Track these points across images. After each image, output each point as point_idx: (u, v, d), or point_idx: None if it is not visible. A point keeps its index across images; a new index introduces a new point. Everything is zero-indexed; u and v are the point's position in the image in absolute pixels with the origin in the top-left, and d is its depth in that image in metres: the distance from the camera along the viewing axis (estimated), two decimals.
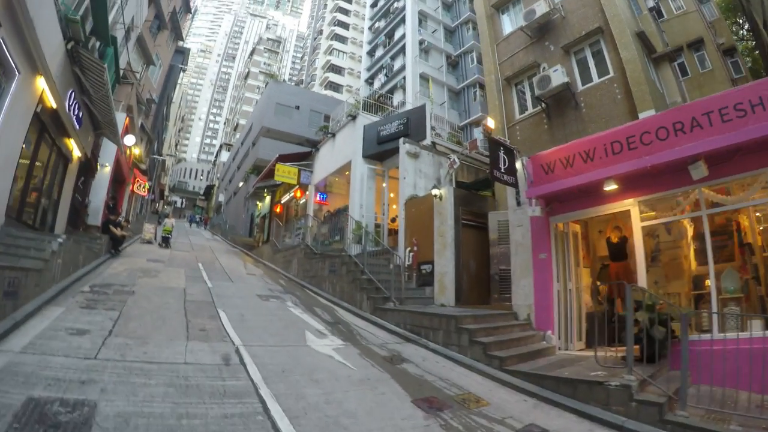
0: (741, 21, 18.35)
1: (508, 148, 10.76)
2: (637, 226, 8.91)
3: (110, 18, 14.31)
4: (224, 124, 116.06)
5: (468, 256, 12.79)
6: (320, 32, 76.19)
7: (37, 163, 11.17)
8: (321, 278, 14.06)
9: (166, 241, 21.77)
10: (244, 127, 54.90)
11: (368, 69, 43.88)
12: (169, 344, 6.54)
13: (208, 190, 79.88)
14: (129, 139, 21.10)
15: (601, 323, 7.84)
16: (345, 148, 18.56)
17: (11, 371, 4.63)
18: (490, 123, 14.14)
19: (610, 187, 8.65)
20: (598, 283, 10.84)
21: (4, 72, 8.06)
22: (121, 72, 18.76)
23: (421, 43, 35.65)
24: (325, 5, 78.16)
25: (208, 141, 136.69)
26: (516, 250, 10.74)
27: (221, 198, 61.42)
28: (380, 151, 17.04)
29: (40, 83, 9.45)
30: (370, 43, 45.53)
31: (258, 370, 5.87)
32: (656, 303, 7.37)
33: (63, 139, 12.29)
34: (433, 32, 37.36)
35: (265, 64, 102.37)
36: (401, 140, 15.50)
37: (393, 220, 17.70)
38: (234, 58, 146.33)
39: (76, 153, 13.44)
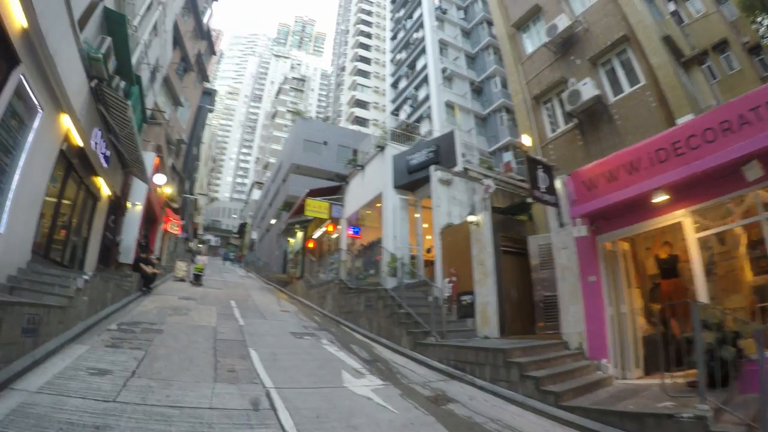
0: (760, 19, 17.67)
1: (547, 166, 10.32)
2: (691, 238, 8.26)
3: (134, 58, 14.52)
4: (255, 163, 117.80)
5: (509, 284, 12.15)
6: (343, 68, 77.45)
7: (65, 201, 11.24)
8: (357, 314, 13.62)
9: (197, 279, 21.49)
10: (274, 165, 55.60)
11: (393, 101, 44.15)
12: (194, 387, 6.16)
13: (241, 228, 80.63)
14: (159, 178, 21.31)
15: (662, 347, 7.20)
16: (375, 180, 18.31)
17: (23, 412, 4.35)
18: (526, 141, 13.67)
19: (660, 198, 8.09)
20: (653, 304, 10.12)
21: (27, 109, 8.09)
22: (149, 112, 19.05)
23: (443, 71, 35.92)
24: (346, 42, 79.73)
25: (239, 180, 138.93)
26: (562, 275, 10.15)
27: (254, 235, 61.81)
28: (411, 180, 16.73)
29: (65, 121, 9.53)
30: (393, 75, 45.98)
31: (290, 416, 5.42)
32: (722, 320, 6.71)
33: (91, 178, 12.39)
34: (454, 59, 37.65)
35: (291, 102, 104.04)
36: (432, 168, 15.16)
37: (428, 250, 17.23)
38: (261, 98, 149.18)
39: (105, 191, 13.53)
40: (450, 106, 34.68)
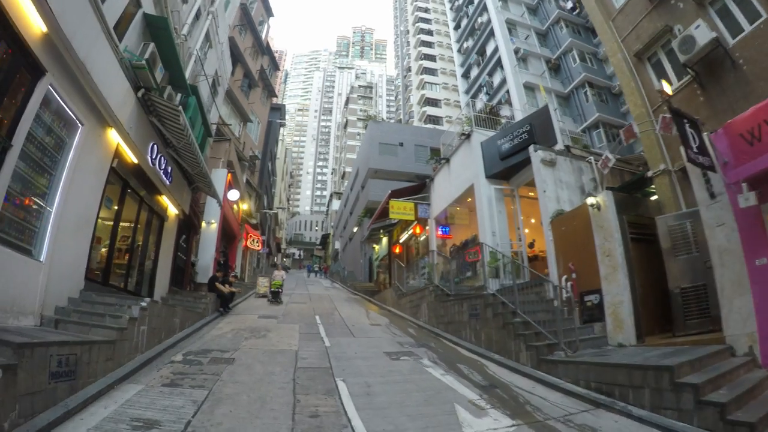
0: None
1: (692, 121, 7.98)
2: None
3: (188, 69, 13.74)
4: (331, 174, 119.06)
5: (640, 276, 9.82)
6: (408, 69, 76.16)
7: (124, 223, 10.39)
8: (459, 324, 11.65)
9: (275, 297, 19.50)
10: (351, 173, 54.88)
11: (467, 92, 41.99)
12: None
13: (324, 239, 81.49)
14: (233, 194, 20.50)
15: None
16: (463, 172, 16.36)
17: None
18: (666, 87, 11.05)
19: None
20: None
21: (64, 124, 7.16)
22: (213, 126, 18.28)
23: (516, 52, 33.87)
24: (408, 42, 78.56)
25: (318, 193, 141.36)
26: (720, 259, 7.74)
27: (337, 245, 61.43)
28: (505, 167, 14.72)
29: (112, 136, 8.68)
30: (462, 65, 43.93)
31: None
32: None
33: (154, 197, 11.54)
34: (525, 38, 35.50)
35: (361, 110, 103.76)
36: (531, 149, 13.02)
37: (531, 245, 15.07)
38: (330, 111, 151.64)
39: (173, 210, 12.67)
40: (529, 87, 32.39)
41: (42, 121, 6.56)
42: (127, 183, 9.99)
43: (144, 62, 9.44)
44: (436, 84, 65.89)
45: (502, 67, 34.88)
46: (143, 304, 8.01)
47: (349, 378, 7.39)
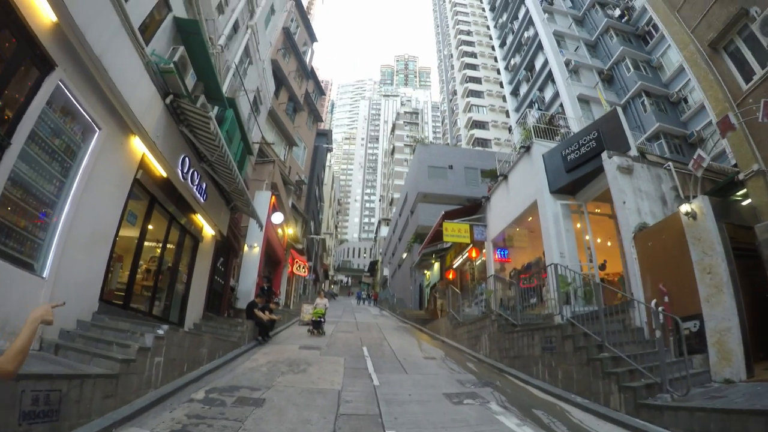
0: None
1: None
2: None
3: (226, 82, 12.98)
4: (379, 201, 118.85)
5: (745, 296, 8.11)
6: (454, 93, 75.47)
7: (151, 243, 9.52)
8: (528, 359, 10.00)
9: (317, 327, 17.19)
10: (399, 199, 53.97)
11: (516, 109, 40.55)
12: None
13: (372, 266, 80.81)
14: (277, 217, 19.64)
15: None
16: (524, 188, 14.86)
17: None
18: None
19: None
20: None
21: (79, 127, 6.41)
22: (256, 146, 17.52)
23: (567, 64, 32.45)
24: (452, 66, 78.14)
25: (366, 220, 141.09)
26: None
27: (386, 272, 60.25)
28: (571, 181, 13.18)
29: (137, 144, 7.84)
30: (510, 82, 42.67)
31: None
32: None
33: (188, 215, 10.63)
34: (575, 50, 33.95)
35: (407, 136, 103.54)
36: (605, 155, 11.45)
37: (602, 266, 13.33)
38: (377, 138, 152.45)
39: (208, 231, 11.78)
40: (583, 99, 30.80)
41: (50, 120, 5.82)
42: (154, 198, 9.06)
43: (172, 65, 8.57)
44: (482, 106, 64.96)
45: (553, 81, 33.44)
46: (160, 332, 6.90)
47: (403, 431, 5.96)
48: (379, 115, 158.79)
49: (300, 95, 30.95)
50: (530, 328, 10.25)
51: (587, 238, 13.23)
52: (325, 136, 43.00)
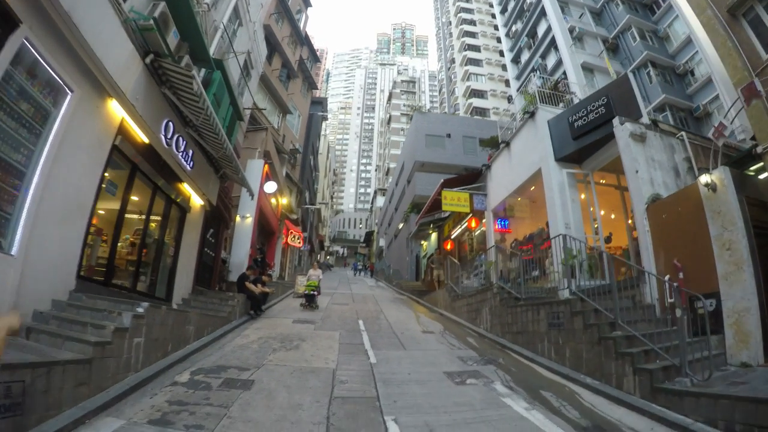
0: None
1: None
2: None
3: (214, 43, 12.22)
4: (375, 170, 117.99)
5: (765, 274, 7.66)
6: (452, 61, 74.22)
7: (131, 215, 8.89)
8: (533, 335, 9.53)
9: (310, 301, 16.02)
10: (396, 168, 53.22)
11: (517, 77, 39.67)
12: None
13: (368, 237, 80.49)
14: (270, 186, 18.97)
15: None
16: (528, 156, 14.23)
17: None
18: None
19: None
20: None
21: (49, 90, 5.78)
22: (247, 112, 16.77)
23: (571, 31, 31.76)
24: (450, 34, 76.63)
25: (362, 190, 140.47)
26: None
27: (382, 242, 59.84)
28: (577, 149, 12.55)
29: (114, 108, 7.19)
30: (511, 50, 41.63)
31: None
32: None
33: (173, 185, 10.00)
34: (579, 17, 33.11)
35: (404, 105, 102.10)
36: (616, 121, 10.81)
37: (607, 239, 12.84)
38: (373, 108, 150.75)
39: (197, 201, 11.18)
40: (587, 68, 30.13)
41: (16, 83, 5.19)
42: (136, 166, 8.41)
43: (151, 21, 7.81)
44: (481, 75, 63.84)
45: (556, 48, 32.64)
46: (139, 310, 6.37)
47: (402, 416, 5.48)
48: (376, 84, 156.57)
49: (294, 62, 30.01)
50: (535, 303, 9.75)
51: (593, 209, 12.68)
52: (320, 104, 41.97)
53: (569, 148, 12.71)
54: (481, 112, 58.64)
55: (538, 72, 34.35)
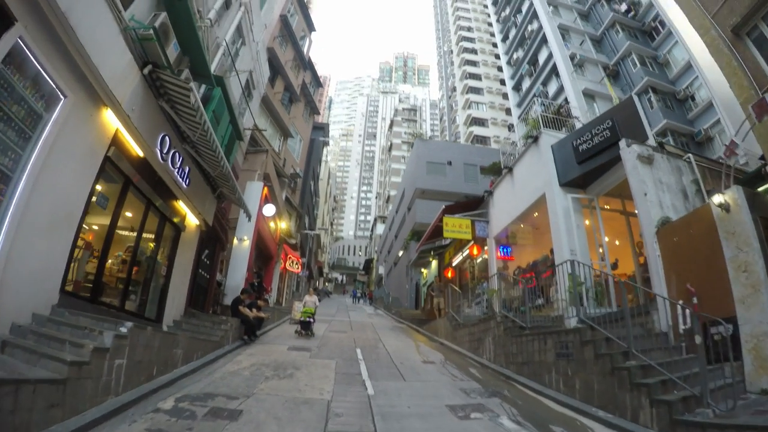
0: None
1: None
2: None
3: (215, 60, 11.96)
4: (376, 198, 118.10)
5: None
6: (453, 89, 74.55)
7: (123, 231, 8.60)
8: (540, 366, 9.08)
9: (306, 328, 15.24)
10: (396, 195, 53.06)
11: (519, 105, 39.72)
12: None
13: (367, 264, 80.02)
14: (268, 209, 18.66)
15: None
16: (531, 182, 13.95)
17: None
18: None
19: None
20: None
21: (42, 94, 5.58)
22: (247, 133, 16.55)
23: (572, 58, 31.84)
24: (452, 63, 77.18)
25: (362, 218, 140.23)
26: None
27: (381, 270, 59.24)
28: (582, 174, 12.30)
29: (109, 118, 6.93)
30: (512, 77, 41.85)
31: None
32: None
33: (168, 202, 9.67)
34: (580, 44, 33.42)
35: (405, 133, 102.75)
36: (623, 143, 10.57)
37: (614, 266, 12.46)
38: (374, 135, 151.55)
39: (192, 220, 10.84)
40: (588, 95, 30.19)
41: (7, 83, 4.97)
42: (129, 181, 8.07)
43: (151, 31, 7.61)
44: (482, 103, 64.05)
45: (557, 75, 32.77)
46: (123, 330, 5.99)
47: None
48: (377, 111, 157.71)
49: (297, 86, 30.04)
50: (542, 332, 9.32)
51: (598, 235, 12.33)
52: (321, 129, 41.96)
53: (574, 173, 12.44)
54: (482, 140, 58.65)
55: (539, 99, 34.47)
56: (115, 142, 7.28)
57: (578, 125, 17.32)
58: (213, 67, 11.74)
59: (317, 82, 37.75)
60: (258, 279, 18.95)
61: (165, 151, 8.66)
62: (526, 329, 10.15)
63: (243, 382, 7.95)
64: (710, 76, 25.25)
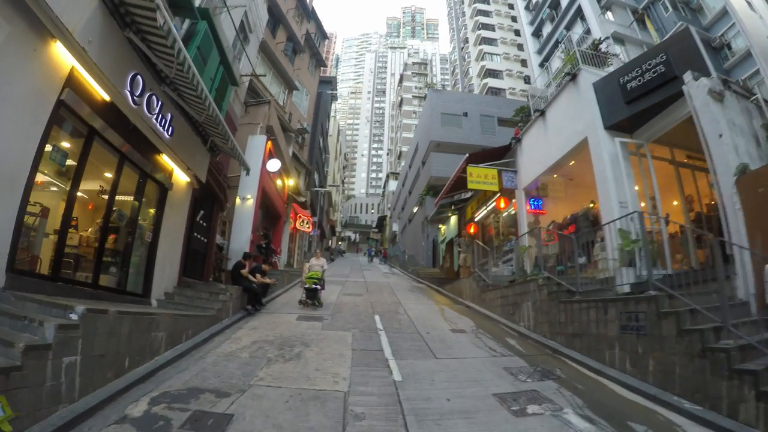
0: None
1: None
2: None
3: None
4: (387, 155, 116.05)
5: None
6: (465, 41, 71.43)
7: (91, 190, 7.24)
8: (597, 340, 7.62)
9: (312, 296, 13.03)
10: (409, 150, 51.26)
11: (539, 51, 37.46)
12: None
13: (380, 222, 79.02)
14: (273, 164, 17.12)
15: None
16: (568, 125, 12.24)
17: None
18: None
19: None
20: None
21: None
22: (244, 79, 14.94)
23: (598, 0, 29.27)
24: (463, 13, 73.70)
25: (374, 175, 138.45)
26: None
27: (395, 227, 57.88)
28: (630, 115, 10.52)
29: (60, 53, 5.59)
30: (532, 23, 39.65)
31: None
32: None
33: (148, 156, 8.15)
34: None
35: (416, 87, 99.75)
36: (688, 75, 8.84)
37: (666, 220, 10.89)
38: (384, 92, 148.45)
39: (181, 177, 9.42)
40: (618, 39, 27.86)
41: None
42: (94, 131, 6.54)
43: None
44: (496, 54, 61.09)
45: (582, 18, 30.49)
46: (73, 316, 4.62)
47: None
48: (386, 68, 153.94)
49: (300, 36, 28.15)
50: (599, 299, 7.81)
51: (649, 185, 10.70)
52: (329, 83, 40.05)
53: (621, 114, 10.73)
54: (497, 92, 56.28)
55: (562, 45, 32.30)
56: (71, 83, 5.77)
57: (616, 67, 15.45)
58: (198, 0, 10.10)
59: (322, 34, 35.64)
60: (266, 241, 17.62)
61: (137, 94, 7.09)
62: (577, 294, 8.67)
63: (239, 368, 6.62)
64: (748, 23, 23.14)
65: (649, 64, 10.26)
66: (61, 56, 5.54)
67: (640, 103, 10.26)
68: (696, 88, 8.65)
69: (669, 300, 6.37)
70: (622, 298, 7.25)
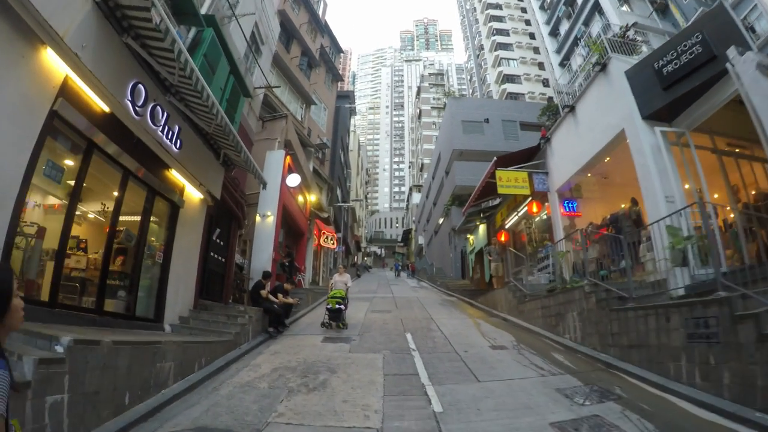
0: None
1: None
2: None
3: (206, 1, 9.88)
4: (409, 168, 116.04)
5: None
6: (481, 48, 71.31)
7: (94, 208, 6.83)
8: (660, 351, 6.71)
9: (336, 317, 12.02)
10: (431, 161, 50.85)
11: (557, 50, 36.75)
12: None
13: (406, 236, 78.87)
14: (292, 179, 16.68)
15: None
16: (602, 119, 11.50)
17: None
18: None
19: None
20: None
21: None
22: (259, 91, 14.52)
23: None
24: (476, 20, 73.86)
25: (396, 189, 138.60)
26: None
27: (421, 240, 57.23)
28: (669, 102, 9.70)
29: (52, 60, 5.18)
30: (548, 22, 39.14)
31: None
32: None
33: (157, 171, 7.68)
34: None
35: (434, 98, 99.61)
36: (732, 51, 7.99)
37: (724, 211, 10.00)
38: (402, 105, 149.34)
39: (193, 193, 8.93)
40: (638, 32, 26.74)
41: None
42: (93, 144, 6.04)
43: None
44: (512, 59, 60.79)
45: (600, 12, 29.75)
46: (59, 348, 4.03)
47: None
48: (402, 81, 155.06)
49: (314, 50, 28.02)
50: (658, 305, 6.94)
51: (695, 177, 9.82)
52: (347, 97, 39.90)
53: (658, 102, 9.94)
54: (516, 97, 55.72)
55: (582, 41, 31.60)
56: (65, 92, 5.34)
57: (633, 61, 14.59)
58: (204, 10, 9.69)
59: (337, 48, 35.54)
60: (289, 259, 17.09)
61: (140, 104, 6.63)
62: (630, 301, 7.82)
63: (256, 401, 5.91)
64: None
65: (685, 45, 9.49)
66: (53, 63, 5.13)
67: (680, 88, 9.49)
68: (743, 64, 7.81)
69: (744, 301, 5.52)
70: (686, 303, 6.36)
